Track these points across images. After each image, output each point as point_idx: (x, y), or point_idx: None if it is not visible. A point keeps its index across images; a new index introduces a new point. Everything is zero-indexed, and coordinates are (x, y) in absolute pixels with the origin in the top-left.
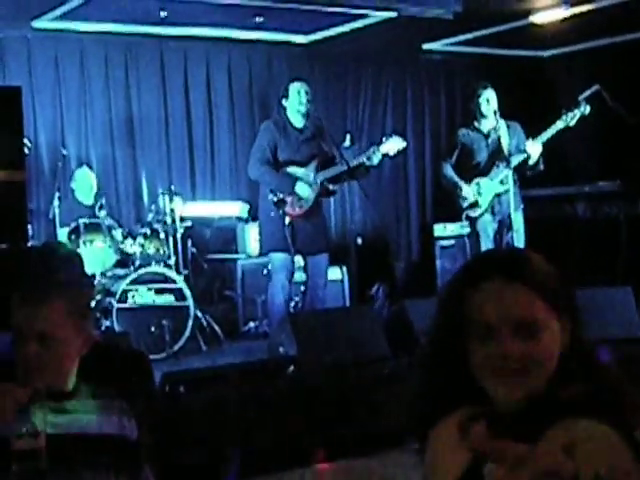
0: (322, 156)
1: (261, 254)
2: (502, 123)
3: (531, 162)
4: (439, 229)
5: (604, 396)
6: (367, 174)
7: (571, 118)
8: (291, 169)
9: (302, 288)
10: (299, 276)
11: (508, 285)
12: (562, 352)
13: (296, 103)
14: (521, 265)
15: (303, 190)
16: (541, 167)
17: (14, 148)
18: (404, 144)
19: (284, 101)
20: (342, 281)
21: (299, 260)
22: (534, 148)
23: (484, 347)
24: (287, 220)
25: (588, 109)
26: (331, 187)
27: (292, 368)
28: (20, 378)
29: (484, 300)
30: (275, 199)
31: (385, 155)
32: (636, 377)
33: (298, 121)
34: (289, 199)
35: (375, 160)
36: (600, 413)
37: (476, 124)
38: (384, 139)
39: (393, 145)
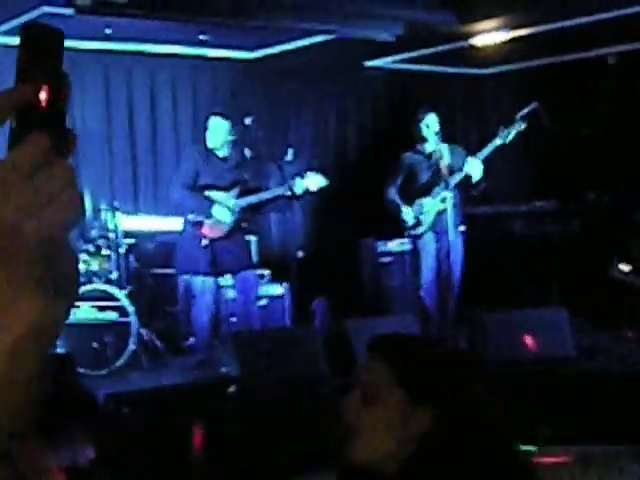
0: (244, 184)
1: (179, 273)
2: (444, 145)
3: (473, 181)
4: (380, 245)
5: None
6: (290, 203)
7: (506, 135)
8: (211, 193)
9: (235, 307)
10: (228, 297)
11: (373, 356)
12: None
13: (216, 138)
14: (395, 343)
15: (221, 214)
16: (483, 185)
17: None
18: (326, 183)
19: (207, 134)
20: (283, 297)
21: (227, 279)
22: (474, 166)
23: None
24: (204, 242)
25: (524, 126)
26: (249, 214)
27: (233, 388)
28: None
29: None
30: (194, 220)
31: (306, 191)
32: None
33: (220, 152)
34: (208, 222)
35: (298, 191)
36: None
37: (418, 147)
38: (307, 174)
39: (315, 182)
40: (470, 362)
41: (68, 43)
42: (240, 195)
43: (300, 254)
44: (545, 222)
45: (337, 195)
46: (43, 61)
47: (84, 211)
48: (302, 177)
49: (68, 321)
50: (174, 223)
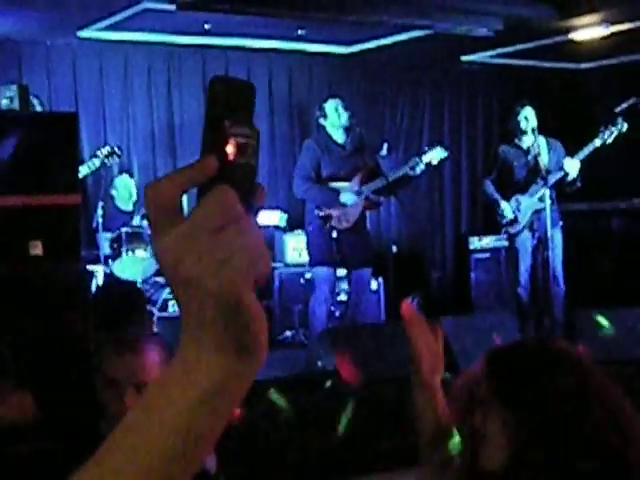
0: (365, 169)
1: (311, 265)
2: (542, 140)
3: (569, 179)
4: (475, 241)
5: None
6: (409, 185)
7: (608, 136)
8: (335, 184)
9: (344, 299)
10: (341, 288)
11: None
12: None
13: (336, 120)
14: (495, 354)
15: (348, 198)
16: (578, 184)
17: (69, 173)
18: (446, 154)
19: (322, 120)
20: (378, 292)
21: (342, 272)
22: (572, 165)
23: None
24: (334, 234)
25: (625, 126)
26: (376, 199)
27: (330, 383)
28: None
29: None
30: (321, 214)
31: (428, 165)
32: None
33: (339, 137)
34: (335, 214)
35: (418, 170)
36: None
37: (516, 141)
38: (426, 148)
39: (435, 154)
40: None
41: (167, 38)
42: (363, 182)
43: (394, 249)
44: None
45: (433, 190)
46: (232, 114)
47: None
48: (421, 155)
49: (167, 313)
50: (270, 217)
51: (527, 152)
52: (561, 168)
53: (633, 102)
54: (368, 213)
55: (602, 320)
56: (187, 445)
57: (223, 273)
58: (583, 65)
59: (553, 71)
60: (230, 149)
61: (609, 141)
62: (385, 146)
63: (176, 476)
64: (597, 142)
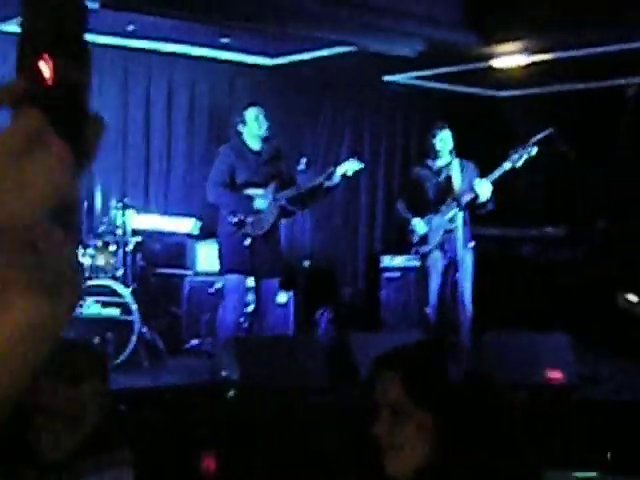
0: (281, 178)
1: (220, 274)
2: (456, 162)
3: (480, 201)
4: (386, 260)
5: None
6: (325, 196)
7: (517, 159)
8: (250, 190)
9: (250, 310)
10: (250, 299)
11: (385, 372)
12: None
13: (254, 128)
14: (398, 355)
15: (262, 204)
16: (490, 207)
17: None
18: (361, 165)
19: (241, 127)
20: (287, 305)
21: (252, 282)
22: (483, 186)
23: None
24: (247, 242)
25: (535, 151)
26: (290, 208)
27: (232, 392)
28: None
29: (374, 386)
30: (235, 220)
31: (343, 176)
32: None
33: (256, 145)
34: (249, 220)
35: (334, 180)
36: None
37: (429, 162)
38: (341, 163)
39: (350, 166)
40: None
41: (89, 36)
42: (277, 190)
43: (307, 263)
44: (554, 248)
45: (349, 206)
46: (49, 29)
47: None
48: (336, 165)
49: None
50: (183, 224)
51: (439, 173)
52: (471, 189)
53: (549, 133)
54: (282, 224)
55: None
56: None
57: (10, 205)
58: (503, 93)
59: (473, 96)
60: (45, 69)
61: (518, 165)
62: (304, 161)
63: None
64: (507, 165)
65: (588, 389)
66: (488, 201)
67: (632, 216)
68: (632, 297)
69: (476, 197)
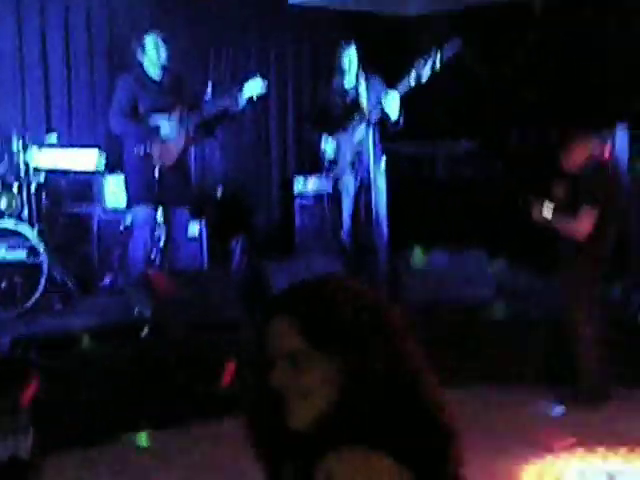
0: (185, 105)
1: (129, 205)
2: (362, 79)
3: (390, 116)
4: (299, 183)
5: (387, 424)
6: (232, 120)
7: (422, 68)
8: (154, 118)
9: (161, 244)
10: (160, 231)
11: (278, 318)
12: (344, 385)
13: (154, 57)
14: (290, 298)
15: (168, 131)
16: (401, 123)
17: None
18: (264, 85)
19: (140, 55)
20: (200, 237)
21: (160, 216)
22: (391, 102)
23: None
24: (155, 173)
25: (439, 60)
26: (196, 135)
27: (146, 330)
28: None
29: (267, 334)
30: (141, 151)
31: (249, 99)
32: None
33: (156, 73)
34: (155, 150)
35: (239, 103)
36: (375, 441)
37: (336, 81)
38: (248, 80)
39: (254, 86)
40: (380, 307)
41: None
42: (182, 116)
43: (219, 191)
44: (467, 163)
45: (258, 131)
46: None
47: None
48: (240, 87)
49: None
50: (88, 158)
51: (346, 91)
52: (380, 105)
53: (456, 45)
54: (191, 152)
55: (418, 253)
56: None
57: None
58: (410, 10)
59: (380, 15)
60: None
61: (425, 75)
62: (209, 87)
63: None
64: (412, 75)
65: (506, 306)
66: (398, 118)
67: (541, 127)
68: (547, 209)
69: (385, 114)
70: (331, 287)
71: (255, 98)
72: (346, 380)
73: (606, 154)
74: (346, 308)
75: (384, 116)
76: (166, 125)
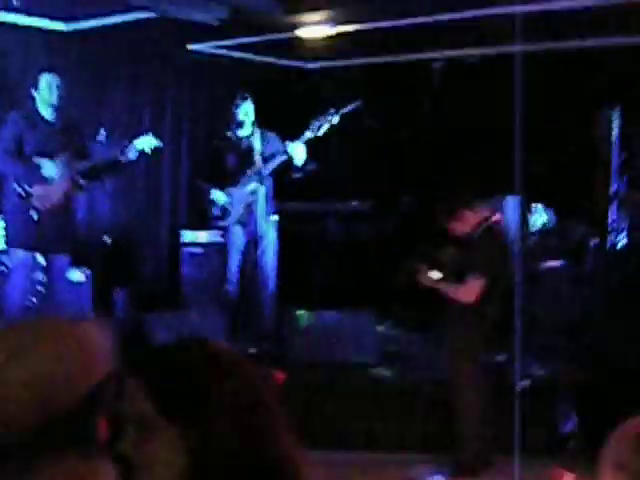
0: (73, 150)
1: (7, 248)
2: (257, 133)
3: (296, 161)
4: (188, 235)
5: None
6: (122, 170)
7: (318, 127)
8: (39, 160)
9: (40, 289)
10: (39, 276)
11: (130, 379)
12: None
13: (46, 96)
14: (144, 360)
15: (50, 172)
16: (311, 166)
17: None
18: (158, 142)
19: (34, 92)
20: (84, 284)
21: (42, 260)
22: (296, 148)
23: None
24: (34, 216)
25: (336, 119)
26: (81, 181)
27: None
28: None
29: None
30: (22, 192)
31: (141, 152)
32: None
33: (48, 113)
34: (36, 191)
35: (130, 155)
36: None
37: (231, 133)
38: (137, 137)
39: (147, 142)
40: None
41: None
42: (69, 161)
43: (107, 239)
44: (359, 223)
45: (150, 180)
46: None
47: None
48: (132, 140)
49: None
50: None
51: (240, 144)
52: (284, 152)
53: (355, 105)
54: (81, 198)
55: (302, 315)
56: None
57: None
58: (311, 64)
59: (281, 67)
60: None
61: (320, 132)
62: (103, 132)
63: None
64: (307, 133)
65: (390, 367)
66: (306, 162)
67: (432, 191)
68: (434, 274)
69: (290, 159)
70: (190, 352)
71: (149, 151)
72: (190, 453)
73: (496, 220)
74: (200, 377)
75: (289, 162)
76: (50, 166)
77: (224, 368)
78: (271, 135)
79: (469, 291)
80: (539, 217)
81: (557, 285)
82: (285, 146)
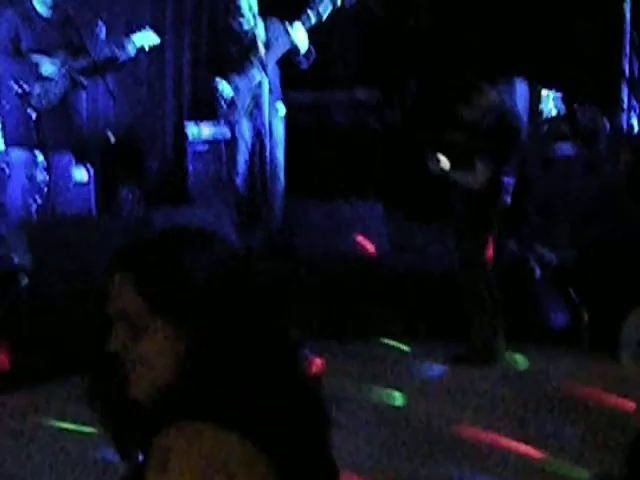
0: (71, 47)
1: (5, 148)
2: (260, 20)
3: (299, 48)
4: (194, 130)
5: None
6: (121, 68)
7: (321, 4)
8: (36, 57)
9: (45, 189)
10: (41, 176)
11: (118, 275)
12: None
13: None
14: (133, 254)
15: (49, 70)
16: (313, 55)
17: None
18: (158, 40)
19: None
20: (88, 183)
21: (42, 159)
22: (298, 33)
23: None
24: (33, 115)
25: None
26: (81, 80)
27: (26, 281)
28: None
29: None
30: (20, 91)
31: (140, 49)
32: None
33: (44, 9)
34: (35, 91)
35: (129, 53)
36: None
37: (234, 22)
38: (137, 31)
39: (146, 38)
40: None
41: None
42: (67, 59)
43: (111, 135)
44: (367, 113)
45: (153, 73)
46: None
47: None
48: (129, 35)
49: None
50: None
51: (244, 32)
52: (287, 38)
53: None
54: (84, 95)
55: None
56: None
57: None
58: None
59: None
60: None
61: (326, 9)
62: (102, 28)
63: None
64: (312, 13)
65: (400, 258)
66: (308, 49)
67: (441, 76)
68: (444, 162)
69: (294, 47)
70: (183, 245)
71: (147, 48)
72: (188, 350)
73: (506, 105)
74: (194, 270)
75: (293, 50)
76: (48, 65)
77: (221, 262)
78: (274, 21)
79: (477, 177)
80: (549, 104)
81: (569, 171)
82: (287, 27)
